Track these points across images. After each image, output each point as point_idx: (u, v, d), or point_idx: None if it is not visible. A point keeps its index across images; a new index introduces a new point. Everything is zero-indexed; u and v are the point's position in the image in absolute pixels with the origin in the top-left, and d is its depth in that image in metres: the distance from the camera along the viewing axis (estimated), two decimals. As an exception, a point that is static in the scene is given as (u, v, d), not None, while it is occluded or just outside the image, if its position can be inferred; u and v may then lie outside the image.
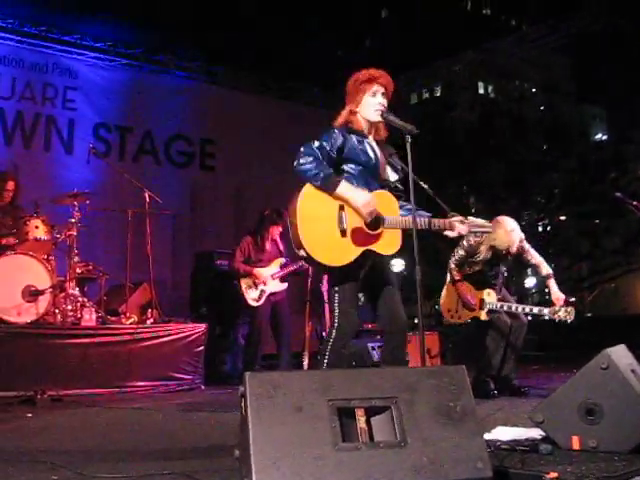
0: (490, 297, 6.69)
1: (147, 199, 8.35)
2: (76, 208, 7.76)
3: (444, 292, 7.00)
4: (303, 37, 10.52)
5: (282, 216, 8.26)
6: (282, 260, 8.24)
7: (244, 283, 8.11)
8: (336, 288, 4.06)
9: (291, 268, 8.18)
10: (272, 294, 8.14)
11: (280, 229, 8.29)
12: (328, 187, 3.96)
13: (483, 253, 6.75)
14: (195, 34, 10.37)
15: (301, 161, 3.99)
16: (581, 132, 19.25)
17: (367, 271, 4.12)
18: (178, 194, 10.94)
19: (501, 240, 6.60)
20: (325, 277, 8.30)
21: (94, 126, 10.39)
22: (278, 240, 8.37)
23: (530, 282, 19.53)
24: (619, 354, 3.75)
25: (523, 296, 17.61)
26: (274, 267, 8.17)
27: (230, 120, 11.71)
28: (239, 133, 11.71)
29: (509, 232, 6.61)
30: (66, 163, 10.06)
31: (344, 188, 3.96)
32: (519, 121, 18.32)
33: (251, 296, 8.06)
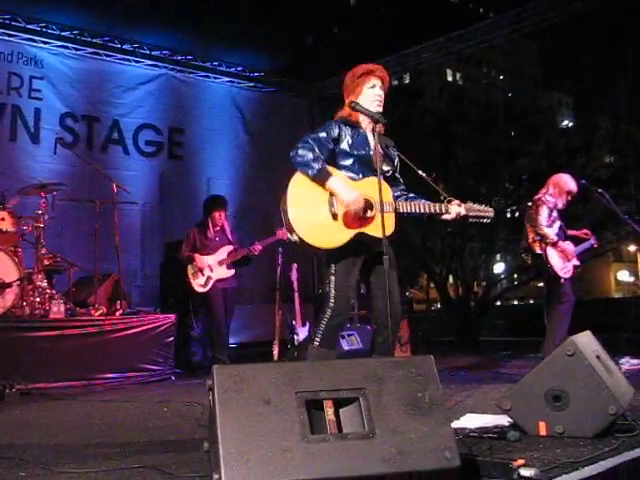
0: (570, 246, 7.51)
1: (115, 189, 8.30)
2: (43, 199, 7.71)
3: (551, 256, 7.34)
4: (271, 24, 10.40)
5: (221, 201, 8.38)
6: (229, 247, 8.29)
7: (190, 270, 8.22)
8: (332, 269, 4.20)
9: (238, 255, 8.23)
10: (220, 281, 8.18)
11: (222, 214, 8.33)
12: (319, 180, 4.12)
13: (559, 205, 7.50)
14: (161, 22, 10.21)
15: (299, 152, 4.16)
16: (548, 118, 19.38)
17: (369, 260, 4.26)
18: (147, 184, 10.87)
19: (565, 185, 7.51)
20: (294, 266, 8.45)
21: (61, 116, 10.25)
22: (226, 226, 8.40)
23: (499, 268, 19.72)
24: (584, 341, 3.80)
25: (492, 282, 17.75)
26: (221, 254, 8.22)
27: (198, 109, 11.67)
28: (208, 122, 11.68)
29: (565, 177, 7.59)
30: (33, 154, 9.92)
31: (333, 183, 4.12)
32: (487, 108, 18.41)
33: (198, 282, 8.16)
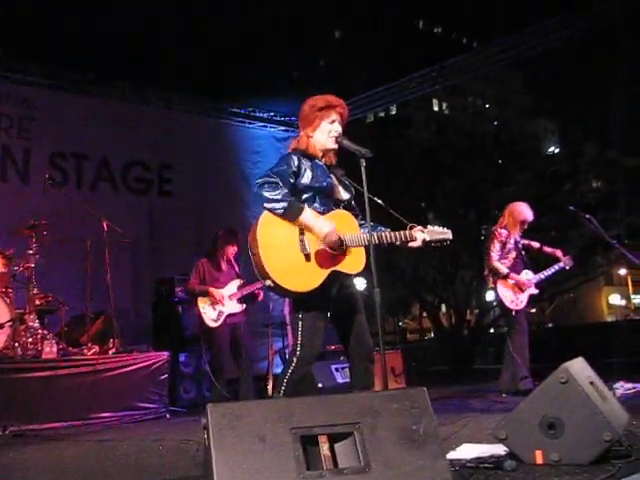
0: (529, 275, 7.62)
1: (105, 227, 8.30)
2: (34, 239, 7.70)
3: (500, 290, 7.53)
4: (257, 59, 10.51)
5: (236, 235, 8.20)
6: (239, 281, 8.12)
7: (201, 303, 7.91)
8: (300, 315, 4.05)
9: (249, 289, 8.06)
10: (230, 316, 7.96)
11: (235, 249, 8.18)
12: (291, 216, 3.98)
13: (514, 235, 7.59)
14: (149, 59, 10.29)
15: (265, 190, 4.00)
16: (534, 146, 19.53)
17: (335, 296, 4.13)
18: (137, 221, 10.85)
19: (519, 214, 7.62)
20: (287, 300, 8.28)
21: (50, 155, 10.30)
22: (233, 261, 8.26)
23: (491, 295, 19.71)
24: (578, 367, 3.81)
25: (484, 310, 17.77)
26: (231, 288, 8.03)
27: (187, 145, 11.71)
28: (196, 158, 11.71)
29: (520, 206, 7.69)
30: (23, 193, 9.94)
31: (307, 217, 3.99)
32: (473, 136, 18.56)
33: (209, 317, 7.85)
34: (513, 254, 7.61)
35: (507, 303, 7.49)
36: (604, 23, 10.18)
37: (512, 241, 7.59)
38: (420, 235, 4.27)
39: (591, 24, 10.24)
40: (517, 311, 7.49)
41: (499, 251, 7.53)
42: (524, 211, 7.68)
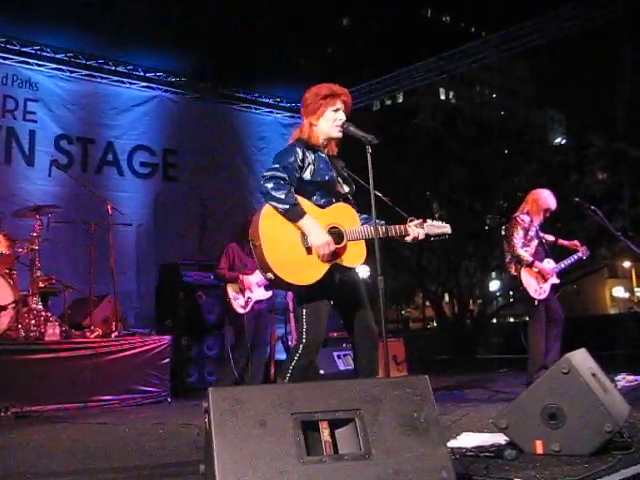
0: (551, 263, 7.42)
1: (110, 211, 8.30)
2: (38, 222, 7.71)
3: (525, 278, 7.25)
4: (263, 45, 10.47)
5: None
6: None
7: (231, 290, 7.81)
8: (304, 305, 4.05)
9: None
10: (257, 302, 7.88)
11: None
12: (291, 217, 3.95)
13: (536, 223, 7.39)
14: (155, 44, 10.27)
15: (270, 184, 3.96)
16: (541, 136, 19.47)
17: (338, 286, 4.11)
18: (141, 205, 10.86)
19: (544, 202, 7.40)
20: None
21: (55, 138, 10.26)
22: None
23: (494, 285, 19.71)
24: (580, 358, 3.81)
25: (487, 300, 17.81)
26: (259, 274, 7.93)
27: (192, 130, 11.68)
28: (202, 143, 11.68)
29: (544, 193, 7.48)
30: (27, 176, 9.91)
31: (304, 224, 3.95)
32: (480, 126, 18.50)
33: (239, 303, 7.76)
34: (535, 242, 7.39)
35: (531, 292, 7.22)
36: (605, 16, 10.15)
37: (534, 229, 7.36)
38: (414, 230, 4.28)
39: (592, 16, 10.19)
40: (539, 301, 7.23)
41: (522, 238, 7.28)
42: (548, 199, 7.45)
